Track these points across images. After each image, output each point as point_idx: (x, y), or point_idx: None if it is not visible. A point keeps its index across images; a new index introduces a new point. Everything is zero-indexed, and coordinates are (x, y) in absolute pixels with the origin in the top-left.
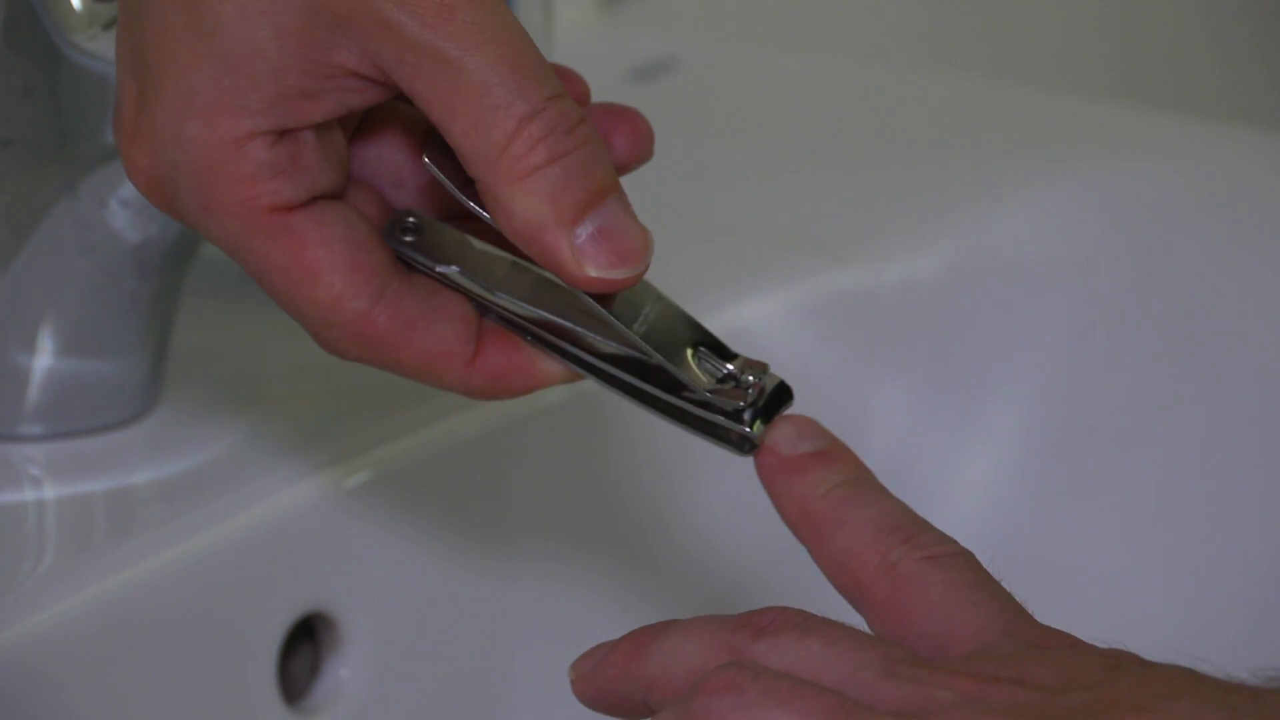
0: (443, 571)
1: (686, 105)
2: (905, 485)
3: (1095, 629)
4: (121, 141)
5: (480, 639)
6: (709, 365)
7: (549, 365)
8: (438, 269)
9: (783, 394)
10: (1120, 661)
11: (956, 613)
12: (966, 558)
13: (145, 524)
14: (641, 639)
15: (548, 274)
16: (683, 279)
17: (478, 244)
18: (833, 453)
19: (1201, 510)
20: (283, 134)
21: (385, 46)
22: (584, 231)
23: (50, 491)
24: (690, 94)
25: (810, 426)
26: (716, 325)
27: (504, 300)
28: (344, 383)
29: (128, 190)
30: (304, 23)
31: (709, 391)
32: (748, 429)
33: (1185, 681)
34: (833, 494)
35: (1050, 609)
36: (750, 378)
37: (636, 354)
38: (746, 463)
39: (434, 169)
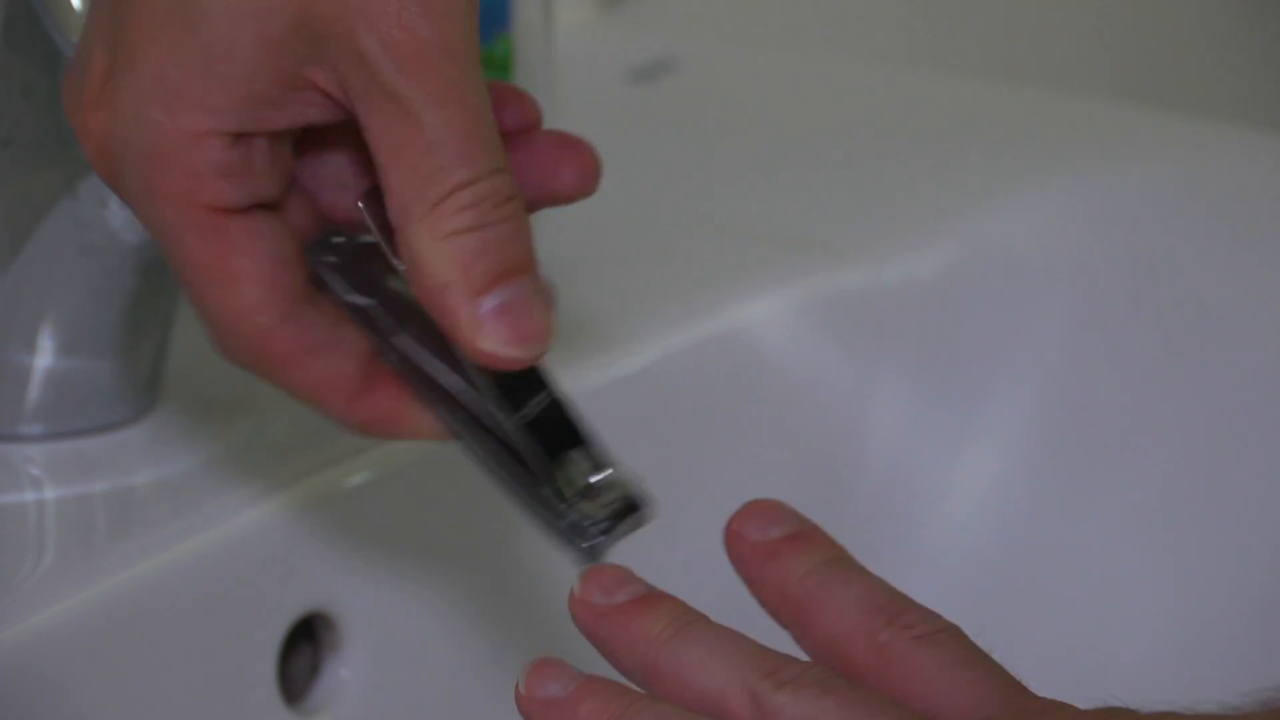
0: (443, 571)
1: (686, 105)
2: (905, 485)
3: (1095, 629)
4: (80, 109)
5: (480, 639)
6: (573, 473)
7: (429, 421)
8: (346, 298)
9: (633, 508)
10: None
11: (952, 690)
12: (955, 634)
13: (145, 524)
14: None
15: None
16: (683, 279)
17: (397, 281)
18: (806, 535)
19: (1202, 510)
20: (240, 137)
21: (355, 76)
22: (488, 303)
23: (50, 491)
24: (690, 94)
25: (778, 510)
26: (717, 325)
27: (402, 346)
28: None
29: None
30: (286, 34)
31: (567, 499)
32: (584, 544)
33: None
34: (812, 576)
35: (1050, 608)
36: (610, 494)
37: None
38: (747, 463)
39: (364, 210)
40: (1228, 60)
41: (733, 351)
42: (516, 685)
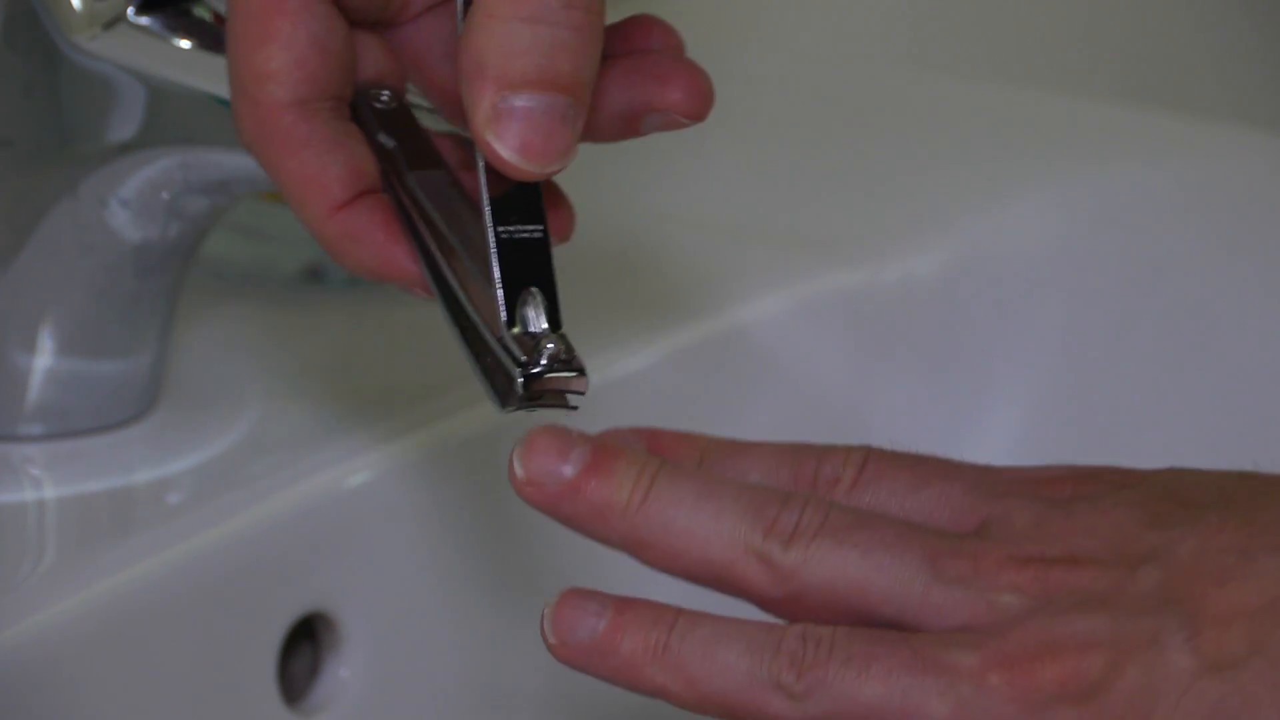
0: (442, 571)
1: None
2: None
3: None
4: None
5: (480, 639)
6: (529, 314)
7: (403, 259)
8: (373, 133)
9: (567, 365)
10: (1154, 515)
11: (932, 513)
12: (878, 462)
13: (145, 524)
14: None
15: (468, 209)
16: (683, 279)
17: (426, 139)
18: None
19: None
20: None
21: None
22: (512, 101)
23: (50, 491)
24: None
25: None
26: (716, 325)
27: (410, 184)
28: (344, 383)
29: (128, 190)
30: None
31: (509, 333)
32: (519, 376)
33: (1236, 523)
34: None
35: None
36: (550, 345)
37: (477, 270)
38: None
39: None
40: (1227, 60)
41: (733, 351)
42: (544, 632)
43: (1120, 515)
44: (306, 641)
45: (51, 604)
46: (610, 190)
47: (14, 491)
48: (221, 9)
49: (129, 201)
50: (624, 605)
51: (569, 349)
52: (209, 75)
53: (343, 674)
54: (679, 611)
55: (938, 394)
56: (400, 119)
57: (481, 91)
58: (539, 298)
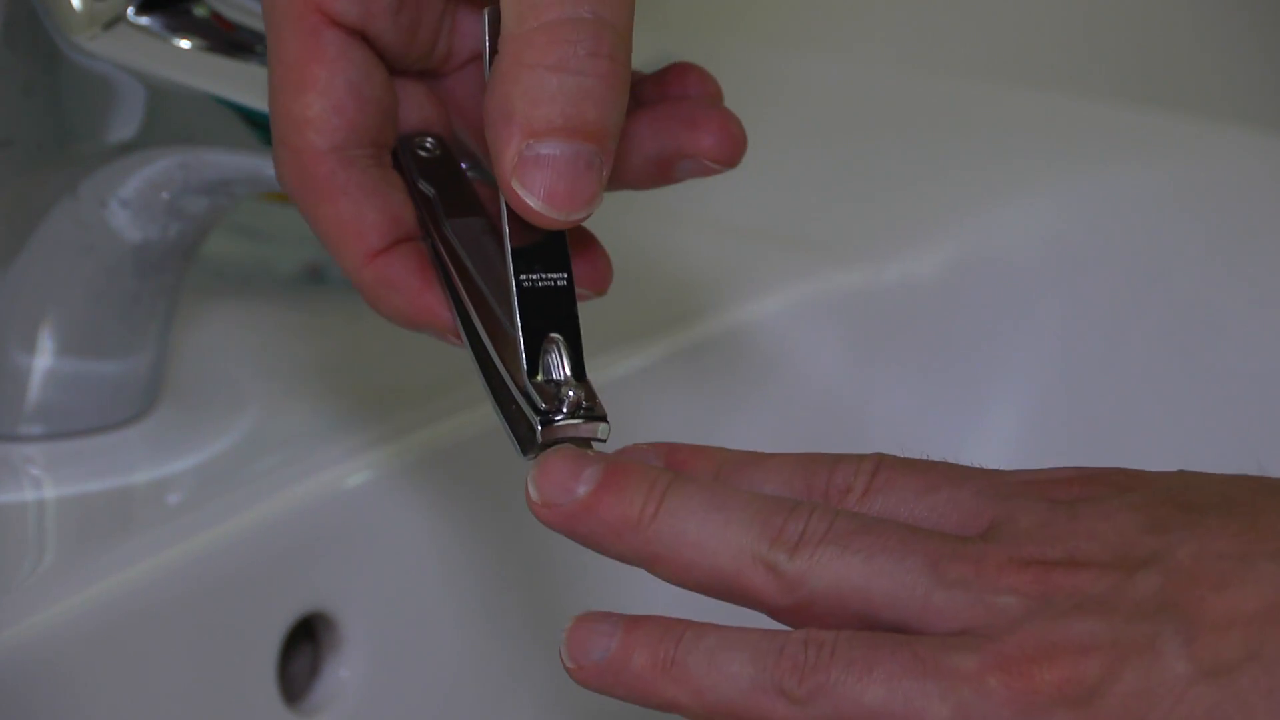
0: (442, 571)
1: None
2: None
3: None
4: None
5: (480, 639)
6: (551, 362)
7: (437, 307)
8: (413, 180)
9: (589, 413)
10: (1156, 519)
11: (940, 519)
12: (889, 469)
13: (145, 524)
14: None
15: (501, 257)
16: (683, 279)
17: (467, 187)
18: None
19: None
20: None
21: None
22: (538, 149)
23: (50, 491)
24: None
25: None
26: (716, 325)
27: (446, 234)
28: (343, 383)
29: (128, 190)
30: None
31: (531, 382)
32: (539, 425)
33: (1237, 528)
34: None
35: None
36: (571, 393)
37: (501, 318)
38: None
39: (487, 24)
40: (1227, 60)
41: (733, 351)
42: (561, 658)
43: (1122, 518)
44: (306, 641)
45: (51, 604)
46: (610, 191)
47: (14, 491)
48: (222, 9)
49: (129, 201)
50: (633, 623)
51: (590, 396)
52: (209, 75)
53: (343, 674)
54: (687, 624)
55: (937, 394)
56: (442, 166)
57: (507, 139)
58: (562, 345)
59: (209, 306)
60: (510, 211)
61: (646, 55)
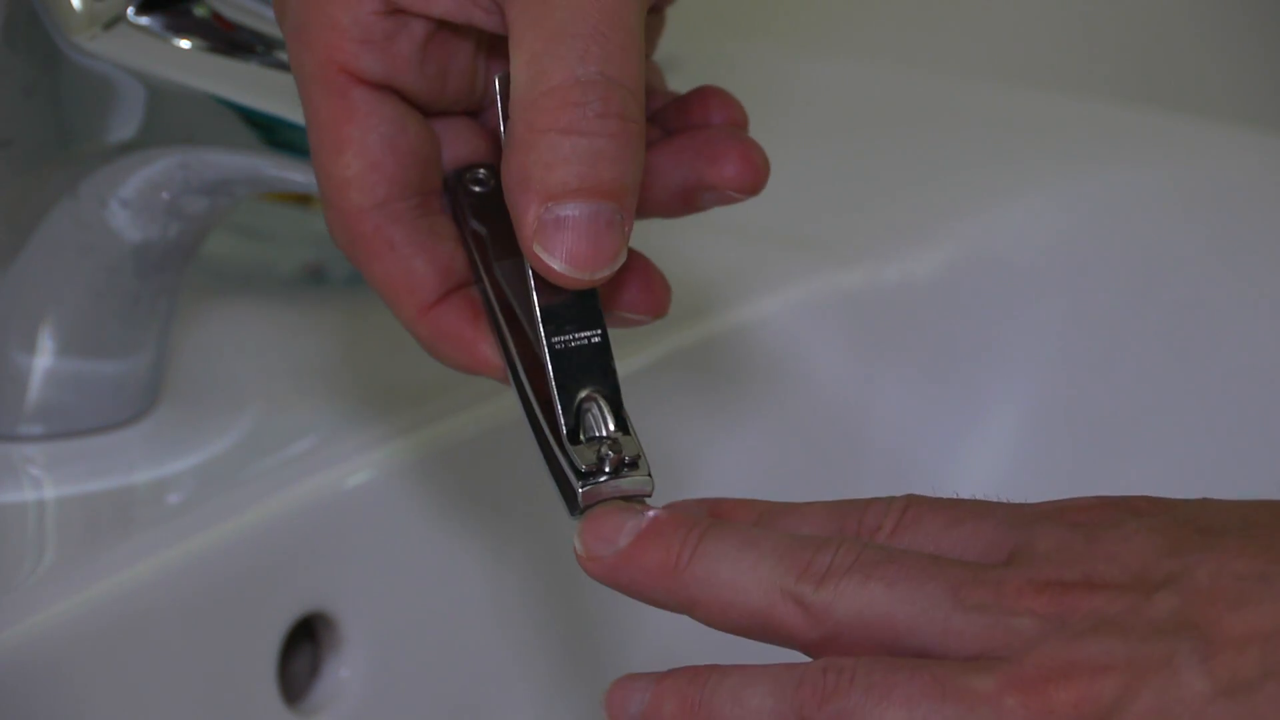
0: (443, 571)
1: None
2: (904, 485)
3: None
4: None
5: (480, 639)
6: (593, 419)
7: (491, 355)
8: (463, 220)
9: (632, 469)
10: (1174, 541)
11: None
12: (917, 506)
13: (145, 524)
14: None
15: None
16: (683, 279)
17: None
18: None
19: None
20: (395, 11)
21: None
22: (557, 211)
23: (50, 491)
24: None
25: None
26: (716, 325)
27: (495, 276)
28: (344, 383)
29: (128, 190)
30: None
31: (570, 442)
32: (579, 489)
33: (1255, 549)
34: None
35: None
36: (613, 452)
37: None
38: (748, 462)
39: (498, 89)
40: (1227, 60)
41: (733, 351)
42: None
43: (1140, 541)
44: (306, 641)
45: (51, 604)
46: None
47: (14, 491)
48: (222, 9)
49: (129, 201)
50: (664, 675)
51: (634, 451)
52: (209, 75)
53: (343, 674)
54: (713, 669)
55: (938, 393)
56: (495, 198)
57: (526, 205)
58: (601, 402)
59: (209, 306)
60: (535, 274)
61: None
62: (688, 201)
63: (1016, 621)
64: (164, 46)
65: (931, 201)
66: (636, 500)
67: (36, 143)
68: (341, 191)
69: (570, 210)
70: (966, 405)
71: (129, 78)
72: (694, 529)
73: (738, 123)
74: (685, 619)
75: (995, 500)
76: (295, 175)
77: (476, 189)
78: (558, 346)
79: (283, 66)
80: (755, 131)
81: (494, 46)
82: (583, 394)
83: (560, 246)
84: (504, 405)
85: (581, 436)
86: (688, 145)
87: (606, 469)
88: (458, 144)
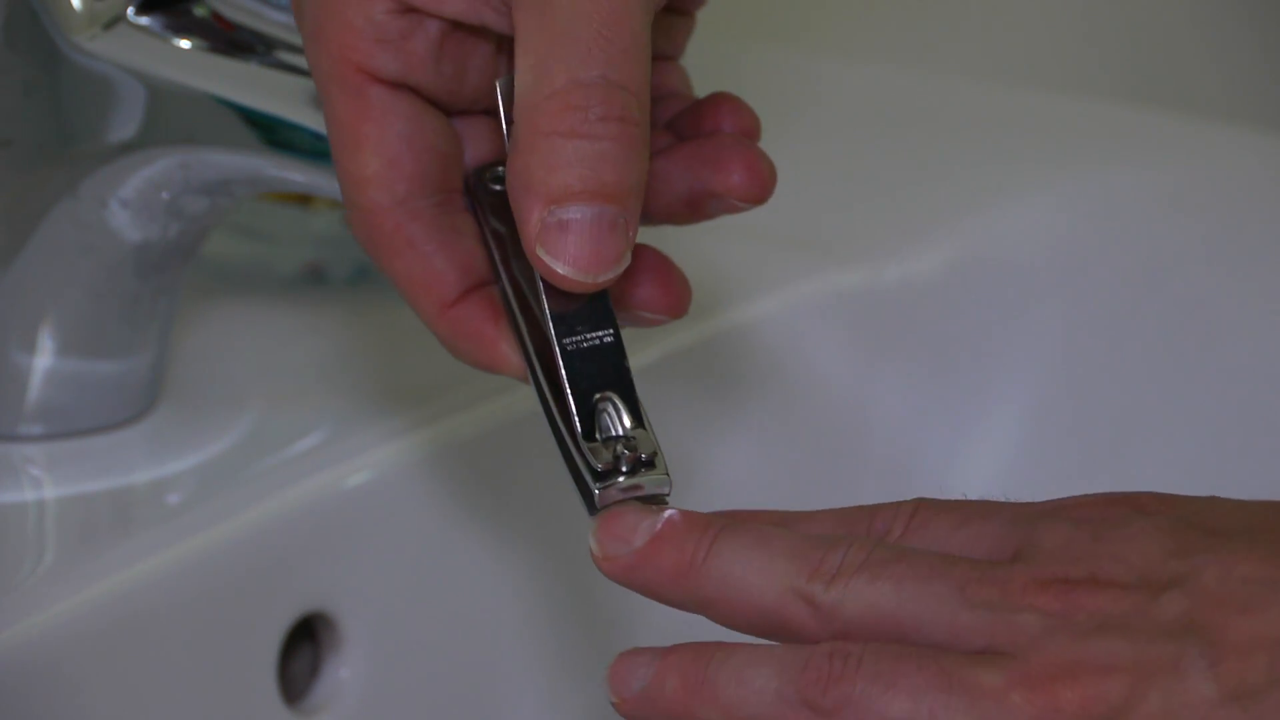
0: (442, 571)
1: None
2: (904, 485)
3: None
4: None
5: (480, 639)
6: (609, 418)
7: (509, 353)
8: (484, 219)
9: (648, 468)
10: (1180, 541)
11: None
12: (924, 509)
13: (145, 524)
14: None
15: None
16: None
17: None
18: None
19: None
20: (409, 11)
21: None
22: (560, 214)
23: (50, 491)
24: None
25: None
26: (716, 325)
27: (516, 273)
28: (344, 383)
29: (128, 190)
30: None
31: (586, 441)
32: (596, 489)
33: (1262, 553)
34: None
35: None
36: (627, 450)
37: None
38: (748, 462)
39: (500, 93)
40: (1227, 60)
41: (733, 351)
42: (607, 694)
43: (1146, 541)
44: (306, 641)
45: (51, 604)
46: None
47: (14, 491)
48: (222, 9)
49: (129, 201)
50: (668, 651)
51: (650, 449)
52: (209, 75)
53: (343, 674)
54: (718, 646)
55: (938, 393)
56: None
57: (529, 208)
58: (617, 401)
59: (209, 306)
60: (543, 278)
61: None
62: (695, 209)
63: (1021, 618)
64: (164, 46)
65: (931, 201)
66: (655, 500)
67: (36, 143)
68: (361, 189)
69: (573, 213)
70: (966, 405)
71: (129, 78)
72: (709, 529)
73: (749, 131)
74: (688, 621)
75: (1002, 500)
76: (295, 175)
77: (496, 187)
78: (569, 348)
79: (283, 66)
80: None
81: (512, 45)
82: (597, 394)
83: (563, 250)
84: (504, 405)
85: (598, 436)
86: (696, 152)
87: (623, 468)
88: (479, 142)
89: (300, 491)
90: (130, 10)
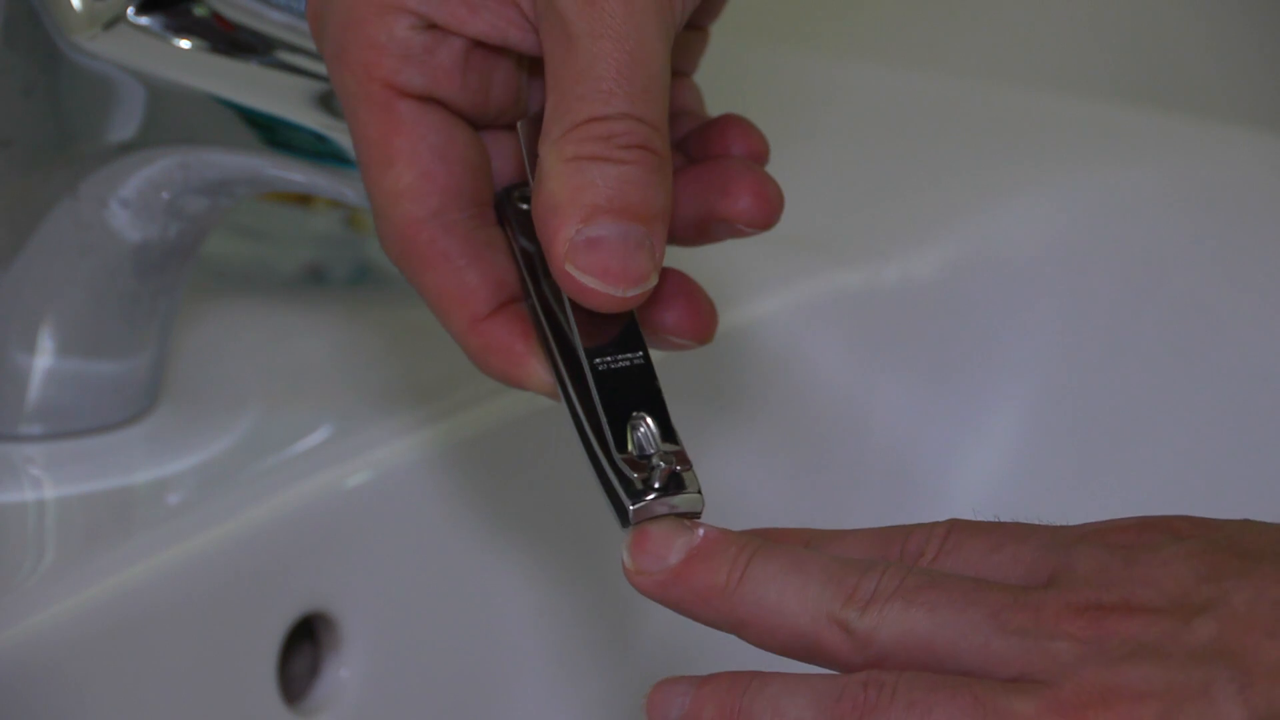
0: (443, 571)
1: None
2: (904, 485)
3: None
4: None
5: (480, 639)
6: (641, 436)
7: (539, 371)
8: (514, 236)
9: (680, 485)
10: (1212, 566)
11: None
12: (958, 531)
13: (145, 524)
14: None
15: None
16: None
17: None
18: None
19: (1200, 508)
20: (433, 27)
21: None
22: (588, 232)
23: (50, 491)
24: None
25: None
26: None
27: (545, 291)
28: (344, 383)
29: (128, 190)
30: None
31: (621, 456)
32: (630, 505)
33: None
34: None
35: None
36: (662, 464)
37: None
38: (748, 462)
39: (521, 132)
40: (1226, 60)
41: (733, 351)
42: None
43: (1179, 566)
44: (306, 641)
45: (51, 604)
46: None
47: (14, 491)
48: (222, 9)
49: (129, 201)
50: (705, 680)
51: (683, 466)
52: (209, 75)
53: (343, 674)
54: (754, 676)
55: (938, 393)
56: None
57: (557, 229)
58: (649, 421)
59: (209, 306)
60: (572, 300)
61: None
62: (702, 232)
63: (1055, 645)
64: (164, 46)
65: (931, 201)
66: (688, 518)
67: (36, 143)
68: (394, 203)
69: (601, 230)
70: (966, 405)
71: (129, 78)
72: (744, 550)
73: (757, 154)
74: (687, 626)
75: (1033, 524)
76: (295, 175)
77: (524, 206)
78: (600, 367)
79: (283, 66)
80: None
81: (535, 62)
82: (630, 413)
83: (593, 264)
84: (504, 405)
85: (631, 451)
86: (703, 176)
87: (656, 484)
88: (505, 158)
89: (300, 491)
90: (130, 10)
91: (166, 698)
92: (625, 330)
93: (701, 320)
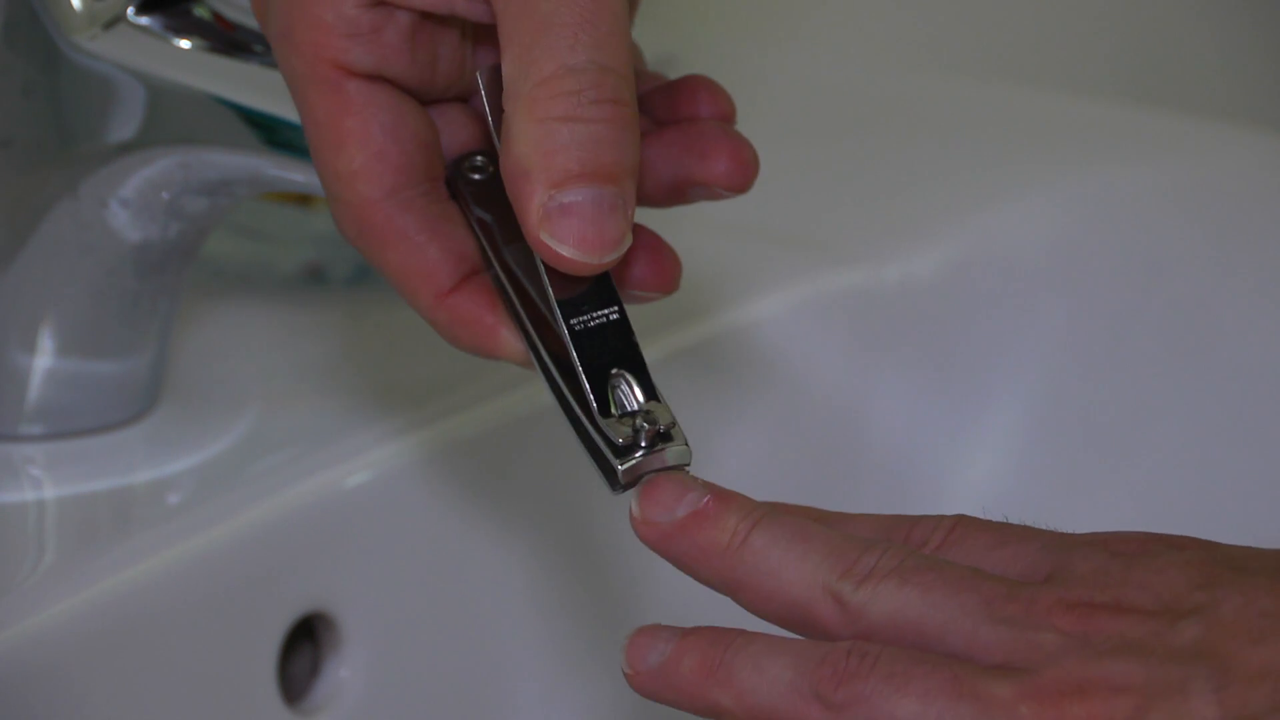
0: (442, 571)
1: None
2: (904, 484)
3: None
4: None
5: (480, 639)
6: (622, 394)
7: (509, 339)
8: (470, 207)
9: (667, 440)
10: (1207, 575)
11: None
12: (965, 525)
13: (145, 524)
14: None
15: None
16: (683, 279)
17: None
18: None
19: (1199, 508)
20: (379, 4)
21: None
22: (561, 198)
23: (50, 491)
24: None
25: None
26: (716, 325)
27: (507, 260)
28: (344, 383)
29: (128, 190)
30: None
31: (603, 417)
32: (619, 465)
33: None
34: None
35: None
36: (646, 423)
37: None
38: (748, 462)
39: (482, 82)
40: (1228, 60)
41: (733, 351)
42: (622, 666)
43: (1173, 573)
44: (306, 641)
45: (51, 604)
46: None
47: (14, 491)
48: (222, 9)
49: (129, 201)
50: (689, 631)
51: (668, 421)
52: (209, 75)
53: (343, 674)
54: (738, 633)
55: (938, 394)
56: (495, 185)
57: (529, 194)
58: (629, 377)
59: (209, 306)
60: (544, 262)
61: (648, 54)
62: (676, 194)
63: (1041, 636)
64: (164, 46)
65: (931, 201)
66: (676, 471)
67: (36, 143)
68: (348, 184)
69: (574, 196)
70: (966, 405)
71: (129, 78)
72: (751, 513)
73: (726, 115)
74: (692, 616)
75: (1038, 527)
76: (295, 175)
77: (476, 176)
78: (577, 327)
79: None
80: (755, 131)
81: (480, 32)
82: (609, 371)
83: (567, 233)
84: (503, 405)
85: (614, 411)
86: (678, 139)
87: (642, 442)
88: (453, 130)
89: (300, 491)
90: (130, 10)
91: (166, 698)
92: (600, 287)
93: (667, 272)
